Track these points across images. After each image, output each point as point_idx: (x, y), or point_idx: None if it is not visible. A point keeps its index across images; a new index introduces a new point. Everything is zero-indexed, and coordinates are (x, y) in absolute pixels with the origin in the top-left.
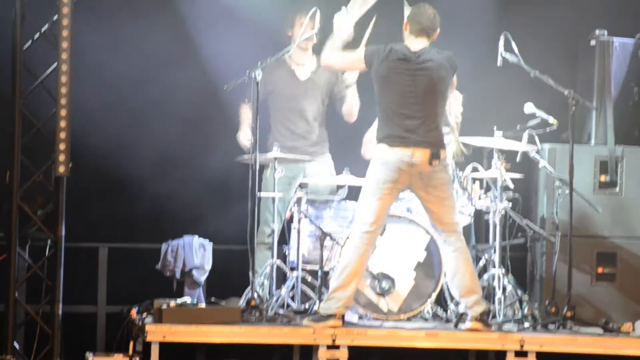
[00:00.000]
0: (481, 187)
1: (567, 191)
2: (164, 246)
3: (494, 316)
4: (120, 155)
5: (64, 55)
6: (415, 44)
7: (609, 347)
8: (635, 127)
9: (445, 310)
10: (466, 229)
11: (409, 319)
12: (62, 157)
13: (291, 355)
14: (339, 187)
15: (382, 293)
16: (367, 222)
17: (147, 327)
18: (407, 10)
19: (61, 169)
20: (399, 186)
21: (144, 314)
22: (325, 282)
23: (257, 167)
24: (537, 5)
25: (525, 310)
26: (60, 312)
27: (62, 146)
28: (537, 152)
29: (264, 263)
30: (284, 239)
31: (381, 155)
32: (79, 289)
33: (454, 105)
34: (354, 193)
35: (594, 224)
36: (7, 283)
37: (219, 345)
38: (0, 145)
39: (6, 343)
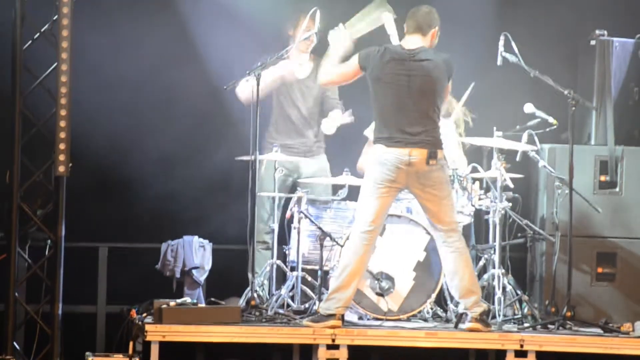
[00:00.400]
0: (481, 187)
1: (567, 191)
2: (163, 246)
3: (494, 316)
4: (120, 155)
5: (64, 55)
6: (409, 41)
7: (608, 347)
8: (635, 127)
9: (445, 310)
10: (466, 229)
11: (409, 319)
12: (62, 157)
13: (291, 355)
14: (339, 187)
15: (382, 293)
16: (367, 221)
17: (147, 327)
18: (389, 21)
19: (61, 169)
20: (397, 185)
21: (144, 314)
22: (325, 282)
23: (257, 167)
24: (537, 5)
25: (525, 310)
26: (60, 312)
27: (62, 146)
28: (537, 152)
29: (262, 262)
30: (284, 239)
31: (379, 155)
32: (79, 289)
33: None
34: (354, 193)
35: (594, 224)
36: (7, 283)
37: (218, 345)
38: (0, 145)
39: (6, 343)
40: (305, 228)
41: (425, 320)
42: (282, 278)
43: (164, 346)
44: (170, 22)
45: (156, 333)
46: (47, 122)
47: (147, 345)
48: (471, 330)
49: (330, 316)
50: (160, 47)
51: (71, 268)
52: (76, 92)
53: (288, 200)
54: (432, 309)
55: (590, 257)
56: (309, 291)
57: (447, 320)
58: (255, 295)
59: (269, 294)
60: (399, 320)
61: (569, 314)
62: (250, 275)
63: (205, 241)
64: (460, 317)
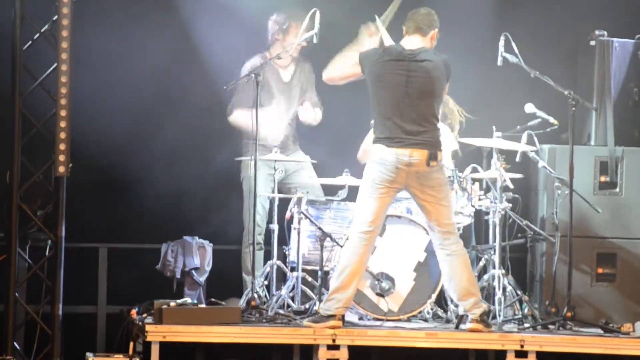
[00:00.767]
0: (481, 188)
1: (567, 192)
2: (164, 246)
3: (495, 316)
4: (120, 156)
5: (64, 56)
6: (409, 41)
7: (608, 347)
8: (635, 128)
9: (446, 311)
10: (466, 230)
11: (409, 319)
12: (62, 157)
13: (291, 355)
14: (339, 187)
15: (382, 293)
16: (366, 221)
17: (147, 327)
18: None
19: (61, 169)
20: (397, 186)
21: (144, 315)
22: (325, 282)
23: (257, 168)
24: (537, 5)
25: (525, 311)
26: (60, 312)
27: (62, 146)
28: (537, 152)
29: (256, 264)
30: (284, 239)
31: (379, 155)
32: (79, 289)
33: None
34: (353, 194)
35: (594, 224)
36: (7, 283)
37: (219, 345)
38: (0, 145)
39: (6, 343)
40: (305, 228)
41: (426, 320)
42: (282, 278)
43: (164, 346)
44: (170, 22)
45: (156, 333)
46: (47, 123)
47: (147, 345)
48: (472, 330)
49: (331, 316)
50: (160, 47)
51: (71, 268)
52: (76, 92)
53: (282, 200)
54: (432, 309)
55: (591, 257)
56: (309, 292)
57: (448, 321)
58: (255, 295)
59: (269, 294)
60: (399, 320)
61: (569, 314)
62: (246, 277)
63: (206, 242)
64: (460, 319)
